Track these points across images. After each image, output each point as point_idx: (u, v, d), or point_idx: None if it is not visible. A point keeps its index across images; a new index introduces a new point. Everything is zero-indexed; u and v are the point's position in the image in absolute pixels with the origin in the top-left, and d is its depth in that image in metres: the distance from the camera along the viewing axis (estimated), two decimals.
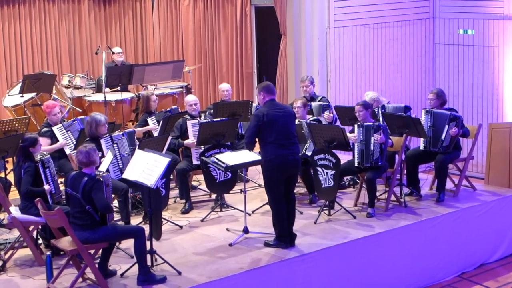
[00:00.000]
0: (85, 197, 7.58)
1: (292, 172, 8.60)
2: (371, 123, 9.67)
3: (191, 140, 10.08)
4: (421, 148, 10.26)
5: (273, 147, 8.40)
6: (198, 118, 10.34)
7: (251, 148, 8.64)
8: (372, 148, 9.52)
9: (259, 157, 8.74)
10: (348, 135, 9.59)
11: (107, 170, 8.60)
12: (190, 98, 10.56)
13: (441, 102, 10.23)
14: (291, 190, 8.72)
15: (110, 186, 7.84)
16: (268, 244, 8.70)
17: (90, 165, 7.73)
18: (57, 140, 10.20)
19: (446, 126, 10.00)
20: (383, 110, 10.42)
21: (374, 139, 9.48)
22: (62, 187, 8.87)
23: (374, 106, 10.58)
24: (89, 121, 9.34)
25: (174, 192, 10.42)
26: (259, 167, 9.49)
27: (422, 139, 10.20)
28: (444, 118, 10.04)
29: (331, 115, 10.73)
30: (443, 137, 10.03)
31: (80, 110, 12.69)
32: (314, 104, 10.93)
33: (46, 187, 8.44)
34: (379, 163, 9.57)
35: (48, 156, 8.73)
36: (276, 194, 8.54)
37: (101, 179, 7.69)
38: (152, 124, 10.82)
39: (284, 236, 8.64)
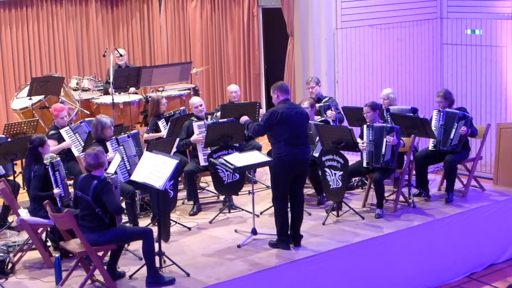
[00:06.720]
0: (96, 200, 7.58)
1: (300, 172, 8.60)
2: (385, 124, 9.65)
3: (196, 136, 10.06)
4: (430, 148, 10.25)
5: (284, 145, 8.42)
6: (205, 120, 10.34)
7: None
8: (384, 149, 9.51)
9: (267, 158, 8.76)
10: (360, 145, 9.58)
11: (115, 173, 8.61)
12: (195, 100, 10.56)
13: (449, 103, 10.24)
14: (300, 191, 8.72)
15: (118, 188, 7.86)
16: (272, 244, 8.72)
17: (99, 168, 7.74)
18: None
19: (455, 125, 10.00)
20: (388, 113, 10.39)
21: (387, 141, 9.47)
22: (71, 190, 8.89)
23: (387, 103, 10.60)
24: (94, 123, 9.34)
25: (182, 194, 10.42)
26: (266, 168, 9.50)
27: (431, 139, 10.19)
28: (453, 117, 10.04)
29: (334, 113, 10.73)
30: (452, 136, 10.02)
31: (88, 113, 12.71)
32: (318, 105, 10.92)
33: (56, 190, 8.45)
34: (390, 165, 9.56)
35: (58, 159, 8.74)
36: (280, 192, 8.56)
37: (111, 181, 7.70)
38: (163, 128, 10.81)
39: (285, 235, 8.64)
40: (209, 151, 9.87)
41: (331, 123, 10.43)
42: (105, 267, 7.80)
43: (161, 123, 10.88)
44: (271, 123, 8.44)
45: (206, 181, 10.94)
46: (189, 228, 9.44)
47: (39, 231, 8.54)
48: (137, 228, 8.56)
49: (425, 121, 9.91)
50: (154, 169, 8.00)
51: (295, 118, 8.47)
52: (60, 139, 10.21)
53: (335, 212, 9.69)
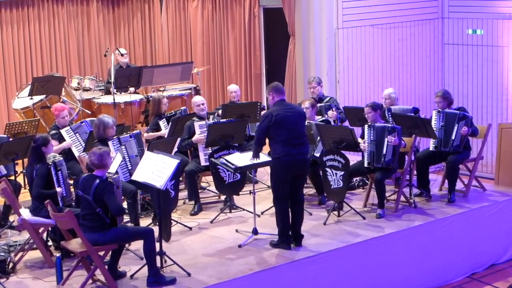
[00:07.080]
0: (96, 200, 7.58)
1: (299, 172, 8.60)
2: (386, 125, 9.65)
3: (198, 136, 10.05)
4: (431, 148, 10.24)
5: (282, 145, 8.42)
6: (206, 120, 10.35)
7: (259, 150, 8.61)
8: (385, 149, 9.50)
9: (268, 158, 8.75)
10: (361, 145, 9.58)
11: (116, 172, 8.62)
12: (197, 99, 10.58)
13: (448, 103, 10.24)
14: (299, 190, 8.72)
15: (120, 188, 7.86)
16: (273, 244, 8.72)
17: (101, 168, 7.73)
18: None
19: (456, 126, 10.00)
20: (389, 113, 10.40)
21: (388, 141, 9.46)
22: (72, 189, 8.90)
23: (389, 103, 10.59)
24: (96, 123, 9.35)
25: (183, 194, 10.42)
26: (267, 168, 9.47)
27: (432, 140, 10.19)
28: (453, 117, 10.04)
29: (335, 113, 10.74)
30: (453, 136, 10.02)
31: (89, 112, 12.71)
32: (319, 105, 10.92)
33: (58, 189, 8.46)
34: (391, 165, 9.55)
35: (61, 158, 8.75)
36: (280, 193, 8.56)
37: (112, 181, 7.70)
38: (164, 128, 10.82)
39: (286, 235, 8.64)
40: (210, 151, 9.88)
41: (332, 123, 10.44)
42: (106, 266, 7.80)
43: (162, 123, 10.88)
44: (267, 126, 8.43)
45: (207, 181, 10.94)
46: (190, 228, 9.45)
47: (40, 230, 8.54)
48: (138, 228, 8.56)
49: (427, 121, 9.90)
50: (155, 169, 8.00)
51: (292, 119, 8.46)
52: (61, 139, 10.21)
53: (336, 212, 9.69)
